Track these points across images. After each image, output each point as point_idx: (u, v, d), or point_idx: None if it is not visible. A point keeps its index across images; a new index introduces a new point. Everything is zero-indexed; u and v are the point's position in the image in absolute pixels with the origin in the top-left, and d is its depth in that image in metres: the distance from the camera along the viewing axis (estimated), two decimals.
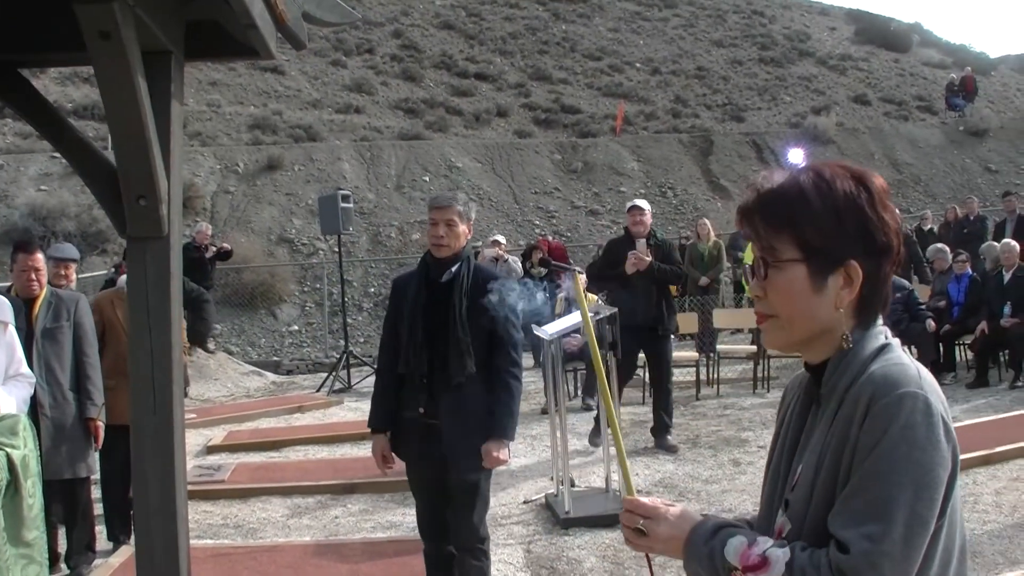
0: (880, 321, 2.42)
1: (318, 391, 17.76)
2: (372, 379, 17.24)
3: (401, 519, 9.28)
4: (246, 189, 31.00)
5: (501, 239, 20.43)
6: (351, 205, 19.07)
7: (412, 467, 6.24)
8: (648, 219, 11.54)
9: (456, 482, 6.01)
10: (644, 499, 2.51)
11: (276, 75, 46.18)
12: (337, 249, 20.28)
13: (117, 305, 8.62)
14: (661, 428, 11.56)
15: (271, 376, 20.55)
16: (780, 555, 2.20)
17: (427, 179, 32.50)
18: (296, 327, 25.44)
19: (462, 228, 6.08)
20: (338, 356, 19.49)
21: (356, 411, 15.49)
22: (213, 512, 9.77)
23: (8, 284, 8.49)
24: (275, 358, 23.40)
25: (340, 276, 20.25)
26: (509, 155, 35.61)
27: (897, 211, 2.45)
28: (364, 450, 12.27)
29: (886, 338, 2.38)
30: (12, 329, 5.36)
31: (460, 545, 6.11)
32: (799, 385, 2.58)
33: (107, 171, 4.76)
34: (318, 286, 26.36)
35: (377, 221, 29.99)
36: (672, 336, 11.86)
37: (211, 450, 12.78)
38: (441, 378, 5.97)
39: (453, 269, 6.05)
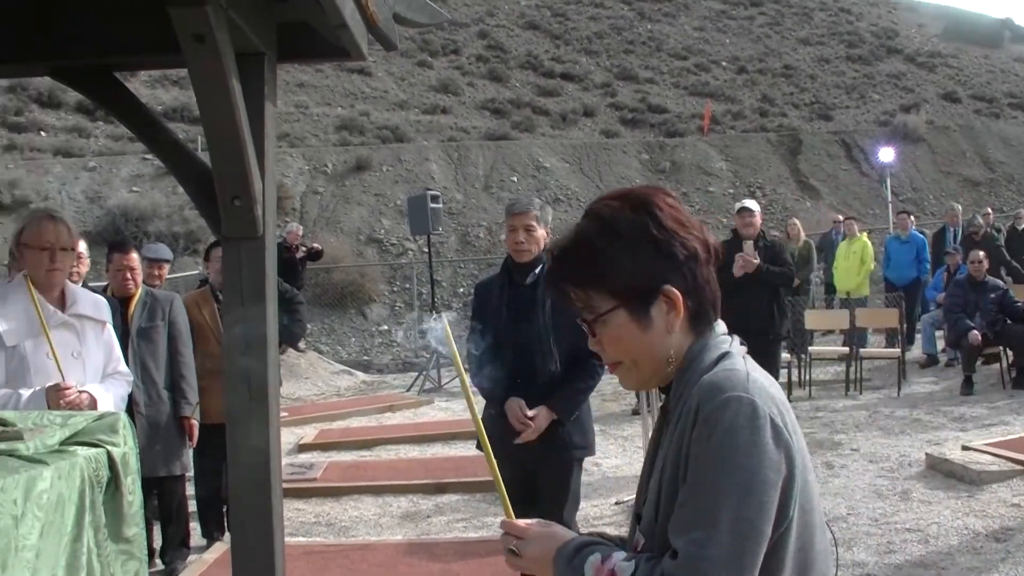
0: (722, 329, 2.44)
1: (408, 391, 17.84)
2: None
3: (492, 519, 9.27)
4: (335, 190, 31.20)
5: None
6: (440, 205, 19.09)
7: (502, 466, 6.21)
8: (758, 220, 11.22)
9: (546, 480, 5.99)
10: (518, 520, 2.50)
11: (363, 76, 46.44)
12: (426, 249, 20.31)
13: (203, 306, 8.69)
14: None
15: (361, 375, 20.62)
16: (626, 567, 2.22)
17: (515, 179, 32.53)
18: (386, 327, 25.54)
19: (540, 232, 6.10)
20: (428, 356, 19.52)
21: (446, 411, 15.54)
22: (305, 510, 9.83)
23: (104, 284, 8.59)
24: (365, 358, 23.50)
25: (430, 276, 20.29)
26: (596, 155, 35.55)
27: (689, 214, 2.44)
28: (455, 449, 12.33)
29: (729, 347, 2.39)
30: (110, 328, 5.43)
31: None
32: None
33: (202, 172, 4.80)
34: (407, 286, 26.46)
35: (465, 221, 30.08)
36: (783, 340, 11.55)
37: (303, 448, 12.86)
38: (528, 379, 5.97)
39: (536, 271, 6.06)
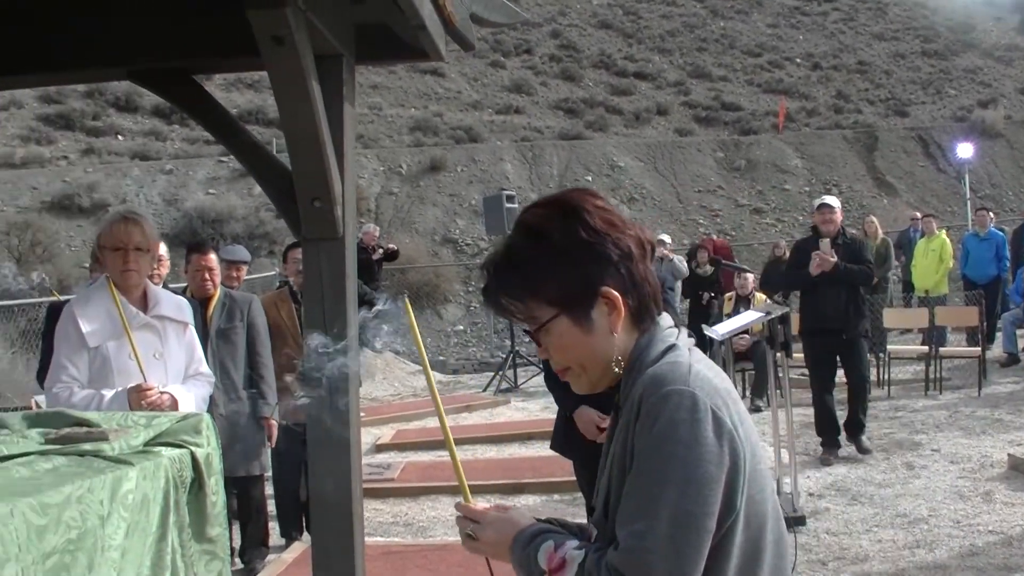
0: (668, 323, 2.42)
1: (484, 390, 17.83)
2: (538, 379, 17.34)
3: (570, 519, 9.24)
4: (409, 190, 31.32)
5: (666, 238, 20.28)
6: (515, 205, 19.02)
7: (583, 466, 6.19)
8: (838, 217, 10.93)
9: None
10: (475, 505, 2.50)
11: (436, 77, 46.60)
12: None
13: (281, 306, 8.71)
14: (856, 426, 11.15)
15: (437, 375, 20.61)
16: (576, 556, 2.22)
17: (589, 178, 32.49)
18: (461, 327, 25.61)
19: None
20: (504, 356, 19.51)
21: (523, 411, 15.51)
22: (383, 510, 9.85)
23: (183, 285, 8.66)
24: (441, 357, 23.56)
25: None
26: (671, 153, 35.42)
27: (619, 213, 2.41)
28: (532, 450, 12.29)
29: (675, 339, 2.37)
30: (192, 329, 5.46)
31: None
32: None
33: (282, 174, 4.83)
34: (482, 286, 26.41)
35: None
36: (864, 340, 11.28)
37: (380, 449, 12.89)
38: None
39: None
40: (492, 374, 18.46)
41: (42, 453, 3.38)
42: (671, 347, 2.34)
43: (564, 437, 6.18)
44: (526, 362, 18.70)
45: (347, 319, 4.65)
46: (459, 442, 12.91)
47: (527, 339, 15.25)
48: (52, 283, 25.25)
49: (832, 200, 11.19)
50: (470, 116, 42.98)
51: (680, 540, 2.10)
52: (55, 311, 6.38)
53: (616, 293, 2.32)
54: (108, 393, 4.91)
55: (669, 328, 2.40)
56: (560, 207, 2.37)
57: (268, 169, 4.96)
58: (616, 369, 2.38)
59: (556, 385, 6.19)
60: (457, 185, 31.72)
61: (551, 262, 2.31)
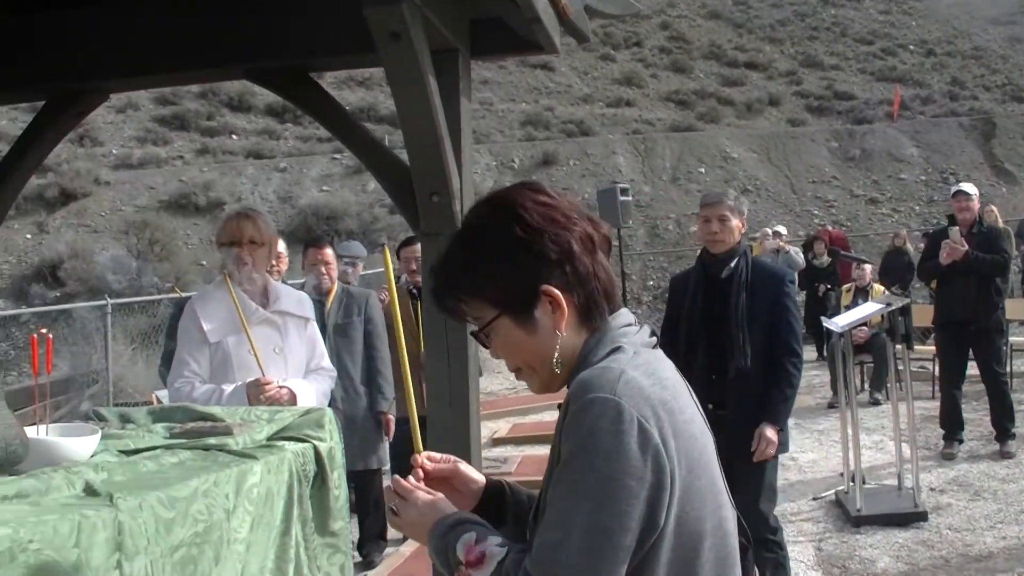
0: (624, 320, 2.34)
1: None
2: None
3: None
4: None
5: (782, 230, 20.07)
6: (629, 198, 18.95)
7: None
8: (975, 205, 10.64)
9: (742, 473, 5.92)
10: (409, 482, 2.45)
11: (546, 71, 46.61)
12: (614, 243, 20.22)
13: (398, 301, 8.73)
14: (1001, 432, 10.87)
15: None
16: (496, 552, 2.16)
17: (702, 171, 32.28)
18: None
19: (735, 223, 6.04)
20: None
21: None
22: None
23: (300, 281, 8.73)
24: None
25: (621, 270, 20.19)
26: (784, 144, 35.03)
27: (567, 206, 2.35)
28: None
29: (627, 339, 2.29)
30: (314, 324, 5.51)
31: (752, 537, 6.01)
32: None
33: (400, 169, 4.86)
34: None
35: (654, 214, 29.95)
36: (997, 333, 10.95)
37: (496, 443, 12.91)
38: (729, 373, 5.92)
39: (732, 264, 6.00)
40: None
41: (168, 447, 3.42)
42: (616, 349, 2.26)
43: None
44: None
45: None
46: (546, 440, 12.89)
47: None
48: (170, 281, 25.68)
49: (969, 187, 10.89)
50: (581, 110, 42.92)
51: (594, 556, 2.03)
52: (182, 307, 6.48)
53: (557, 292, 2.26)
54: (228, 388, 4.97)
55: (623, 327, 2.33)
56: (496, 205, 2.34)
57: (386, 165, 4.99)
58: (571, 368, 2.30)
59: None
60: (569, 179, 31.69)
61: (488, 263, 2.28)
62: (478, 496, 2.58)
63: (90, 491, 2.76)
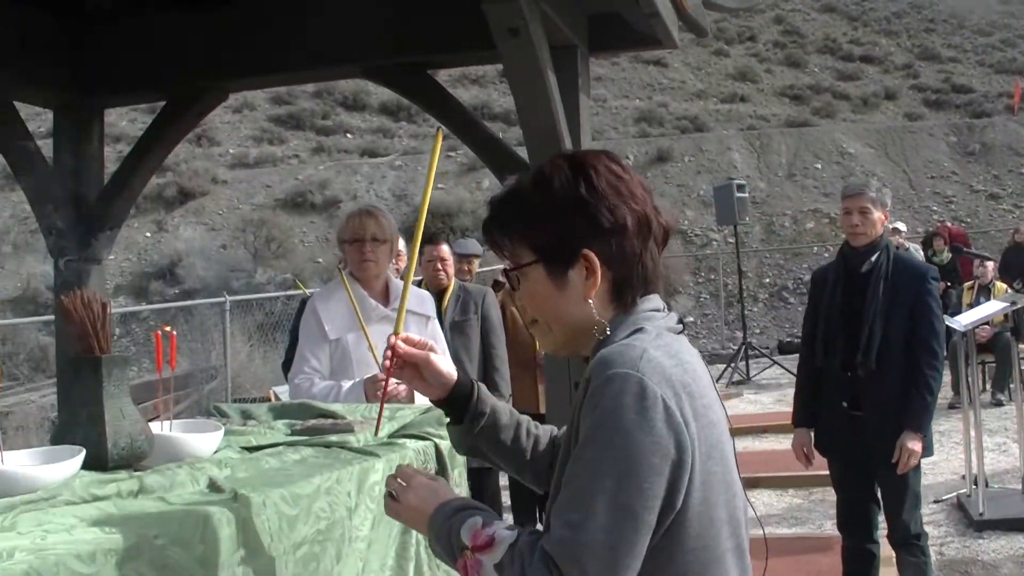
0: (653, 305, 2.33)
1: (716, 382, 17.54)
2: (770, 371, 17.11)
3: (806, 515, 9.09)
4: None
5: (901, 226, 19.76)
6: (746, 195, 18.80)
7: (835, 461, 6.07)
8: None
9: (883, 477, 5.81)
10: (410, 469, 2.47)
11: (660, 67, 46.44)
12: (730, 239, 20.13)
13: (507, 299, 8.71)
14: None
15: None
16: (506, 536, 2.13)
17: (819, 166, 31.90)
18: (691, 318, 25.40)
19: (877, 215, 5.89)
20: (735, 348, 19.30)
21: (755, 403, 15.30)
22: None
23: (417, 279, 8.75)
24: None
25: (737, 267, 19.99)
26: (901, 139, 34.49)
27: (637, 184, 2.35)
28: (766, 443, 12.13)
29: (650, 323, 2.27)
30: (435, 323, 5.51)
31: (895, 541, 5.92)
32: None
33: (519, 167, 4.84)
34: (712, 277, 26.24)
35: (770, 211, 29.65)
36: None
37: None
38: (862, 370, 5.79)
39: (872, 259, 5.86)
40: (724, 366, 18.23)
41: (290, 444, 3.44)
42: (638, 329, 2.25)
43: (816, 432, 6.10)
44: (758, 354, 18.43)
45: None
46: None
47: (759, 330, 15.07)
48: (287, 279, 25.95)
49: None
50: (695, 105, 42.69)
51: (616, 534, 2.00)
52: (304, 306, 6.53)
53: (596, 260, 2.26)
54: (347, 384, 4.99)
55: (650, 311, 2.32)
56: (573, 161, 2.34)
57: (505, 162, 4.99)
58: (592, 339, 2.30)
59: (802, 390, 6.12)
60: (684, 175, 31.53)
61: (544, 209, 2.29)
62: (447, 390, 2.59)
63: (214, 487, 2.78)
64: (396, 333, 2.61)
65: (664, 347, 2.19)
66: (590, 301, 2.28)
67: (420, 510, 2.35)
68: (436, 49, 5.14)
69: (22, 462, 2.72)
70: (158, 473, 2.79)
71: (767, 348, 19.89)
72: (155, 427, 3.07)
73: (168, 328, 3.01)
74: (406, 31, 5.08)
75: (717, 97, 44.39)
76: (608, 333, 2.27)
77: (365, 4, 5.18)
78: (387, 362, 2.58)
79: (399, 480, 2.45)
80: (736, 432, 11.94)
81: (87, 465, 2.71)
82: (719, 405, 2.29)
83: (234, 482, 2.83)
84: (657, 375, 2.08)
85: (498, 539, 2.13)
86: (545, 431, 2.69)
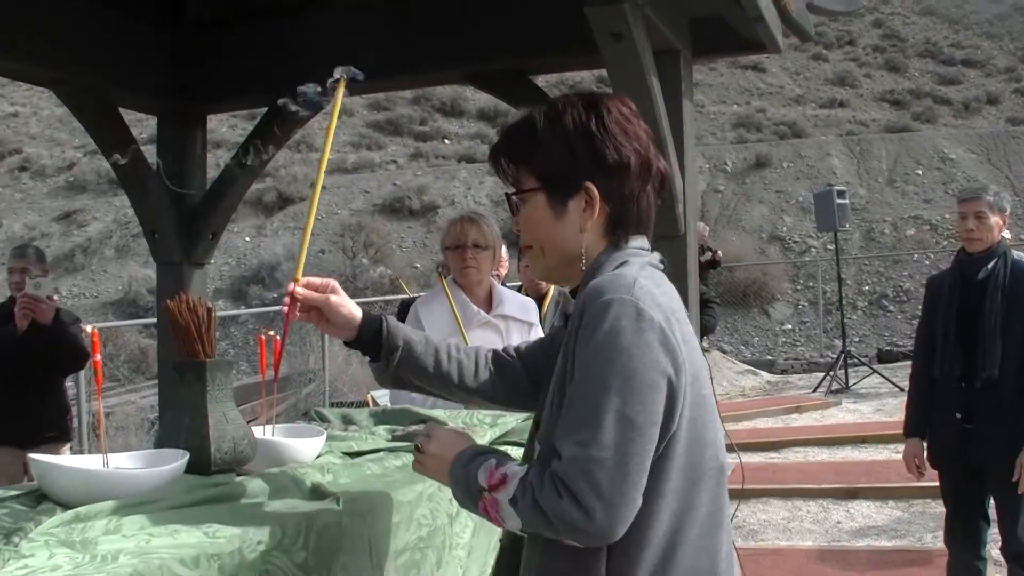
0: (640, 244, 2.43)
1: (814, 391, 17.36)
2: (869, 380, 16.88)
3: (907, 528, 8.94)
4: (735, 188, 31.08)
5: (1006, 234, 19.44)
6: (846, 201, 18.55)
7: (947, 473, 5.94)
8: None
9: (998, 491, 5.68)
10: (435, 423, 2.58)
11: (757, 72, 46.18)
12: (829, 246, 19.91)
13: None
14: None
15: (765, 375, 20.30)
16: (517, 471, 2.20)
17: (919, 172, 31.47)
18: (789, 326, 25.19)
19: (994, 220, 5.75)
20: (834, 356, 19.08)
21: (855, 412, 15.08)
22: None
23: (517, 284, 8.74)
24: (768, 357, 23.21)
25: (837, 274, 19.72)
26: (1005, 144, 33.89)
27: (643, 129, 2.44)
28: (866, 454, 11.95)
29: (635, 258, 2.37)
30: (538, 329, 5.49)
31: (1009, 555, 5.79)
32: None
33: None
34: (811, 284, 25.96)
35: (869, 217, 29.28)
36: None
37: None
38: (976, 382, 5.65)
39: (989, 266, 5.72)
40: (822, 375, 18.02)
41: (391, 450, 3.44)
42: (623, 263, 2.34)
43: (928, 443, 5.98)
44: (857, 362, 18.17)
45: (689, 317, 4.58)
46: (789, 444, 12.70)
47: (858, 338, 14.88)
48: (385, 283, 26.11)
49: None
50: (793, 111, 42.37)
51: (625, 448, 2.08)
52: (405, 308, 6.55)
53: (597, 193, 2.36)
54: None
55: (637, 248, 2.42)
56: (587, 98, 2.43)
57: None
58: (578, 270, 2.41)
59: (915, 399, 5.99)
60: (783, 181, 31.27)
61: (552, 139, 2.38)
62: (355, 329, 2.68)
63: (317, 493, 2.78)
64: (296, 280, 2.64)
65: (651, 277, 2.31)
66: (584, 232, 2.38)
67: (442, 458, 2.39)
68: (538, 54, 5.14)
69: (126, 464, 2.73)
70: (261, 478, 2.79)
71: (866, 357, 19.60)
72: (257, 431, 3.08)
73: (272, 333, 3.02)
74: (508, 36, 5.09)
75: (816, 102, 44.02)
76: (598, 266, 2.36)
77: (468, 10, 5.19)
78: (285, 308, 2.64)
79: (424, 433, 2.50)
80: (835, 442, 11.82)
81: (190, 468, 2.72)
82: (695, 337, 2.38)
83: (336, 488, 2.83)
84: (649, 299, 2.18)
85: (510, 475, 2.19)
86: (470, 353, 2.79)
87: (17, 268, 7.14)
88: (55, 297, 7.52)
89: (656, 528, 2.19)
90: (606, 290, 2.18)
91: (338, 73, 2.86)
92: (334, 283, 2.70)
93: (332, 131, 2.83)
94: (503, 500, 2.18)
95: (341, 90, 2.84)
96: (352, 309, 2.67)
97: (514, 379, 2.79)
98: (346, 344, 2.74)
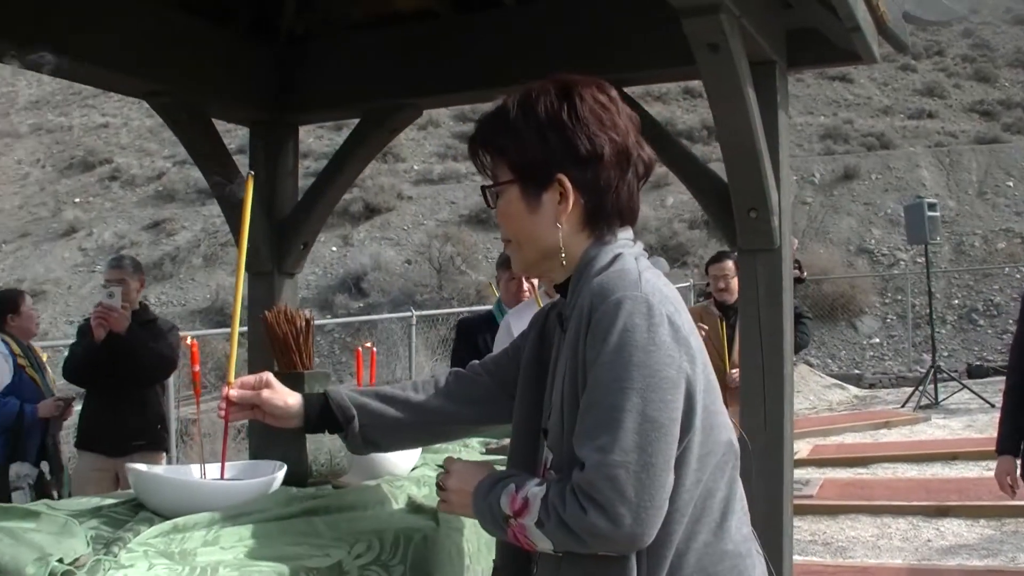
0: (627, 235, 2.38)
1: (903, 406, 17.19)
2: (959, 396, 16.69)
3: (999, 547, 8.80)
4: (823, 200, 30.83)
5: None
6: (937, 214, 18.35)
7: None
8: None
9: None
10: (452, 457, 2.49)
11: (844, 83, 45.77)
12: (918, 259, 19.69)
13: (705, 319, 8.59)
14: None
15: (853, 389, 20.15)
16: (537, 491, 2.14)
17: (1010, 184, 31.00)
18: (877, 339, 24.91)
19: None
20: (922, 370, 18.85)
21: (944, 429, 14.91)
22: (801, 527, 9.62)
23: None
24: (856, 371, 23.01)
25: (927, 288, 19.49)
26: None
27: (624, 116, 2.37)
28: (956, 471, 11.80)
29: (625, 249, 2.32)
30: None
31: None
32: (549, 310, 2.55)
33: (716, 185, 4.80)
34: (899, 297, 25.66)
35: (959, 230, 28.90)
36: None
37: (797, 464, 12.59)
38: None
39: None
40: (910, 389, 17.81)
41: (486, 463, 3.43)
42: (617, 256, 2.29)
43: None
44: (947, 377, 17.93)
45: (783, 332, 4.55)
46: (878, 460, 12.57)
47: (947, 353, 14.64)
48: (472, 293, 26.19)
49: None
50: (881, 122, 41.92)
51: (648, 450, 2.03)
52: (462, 328, 6.59)
53: (570, 185, 2.30)
54: None
55: (625, 239, 2.37)
56: (560, 84, 2.36)
57: (702, 180, 4.94)
58: (558, 264, 2.36)
59: (1009, 416, 5.85)
60: (872, 193, 30.95)
61: (524, 130, 2.32)
62: (299, 417, 2.63)
63: (413, 507, 2.77)
64: (228, 383, 2.63)
65: (648, 268, 2.27)
66: (559, 225, 2.32)
67: (463, 491, 2.34)
68: (630, 65, 5.10)
69: (224, 476, 2.74)
70: (358, 490, 2.80)
71: (956, 372, 19.34)
72: None
73: (369, 344, 3.03)
74: (600, 47, 5.06)
75: (904, 113, 43.53)
76: (588, 261, 2.31)
77: (560, 21, 5.18)
78: (221, 412, 2.62)
79: (443, 468, 2.48)
80: (925, 458, 11.69)
81: (286, 480, 2.73)
82: None
83: (433, 501, 2.82)
84: (657, 294, 2.15)
85: (531, 497, 2.14)
86: (426, 385, 2.74)
87: (115, 279, 7.24)
88: (149, 306, 7.63)
89: (680, 522, 2.15)
90: (614, 288, 2.15)
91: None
92: (268, 376, 2.68)
93: (246, 225, 2.78)
94: (530, 524, 2.14)
95: (250, 185, 2.81)
96: (287, 399, 2.64)
97: (488, 395, 2.72)
98: (303, 431, 2.71)
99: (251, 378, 2.65)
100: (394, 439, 2.69)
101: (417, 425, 2.67)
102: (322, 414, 2.63)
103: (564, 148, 2.30)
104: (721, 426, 2.25)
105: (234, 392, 2.61)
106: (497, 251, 30.84)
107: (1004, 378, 5.98)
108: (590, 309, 2.16)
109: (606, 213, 2.35)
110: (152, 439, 7.46)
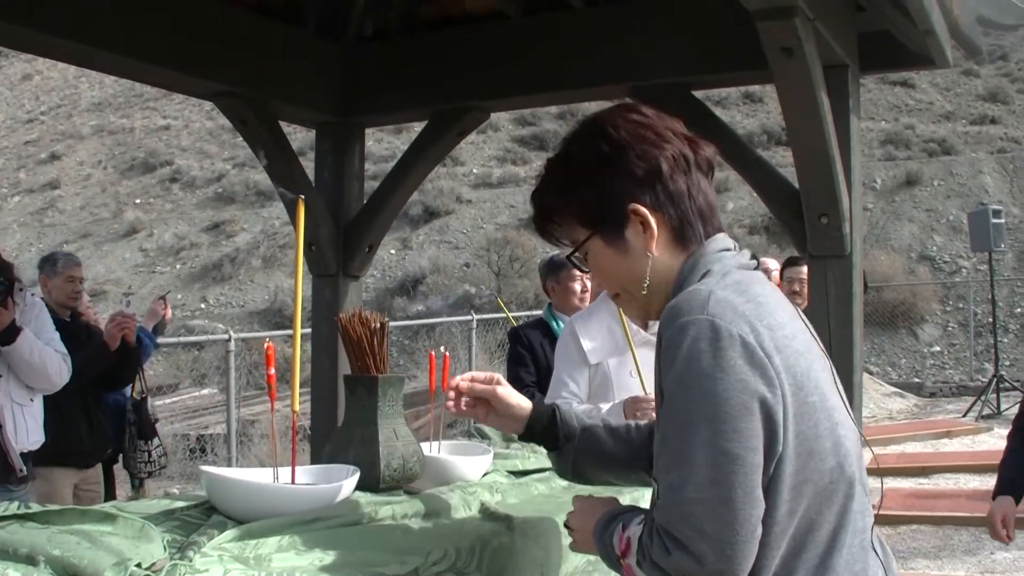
0: (720, 245, 2.23)
1: (964, 416, 17.02)
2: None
3: None
4: (884, 206, 30.63)
5: None
6: (1002, 221, 18.19)
7: None
8: None
9: None
10: (579, 496, 2.40)
11: (906, 88, 45.38)
12: (980, 267, 19.50)
13: None
14: None
15: (913, 398, 19.97)
16: (636, 531, 2.08)
17: None
18: (938, 348, 24.69)
19: None
20: (984, 380, 18.65)
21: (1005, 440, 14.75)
22: None
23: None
24: (916, 379, 22.82)
25: (991, 296, 19.31)
26: None
27: (663, 125, 2.25)
28: None
29: (719, 263, 2.18)
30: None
31: None
32: None
33: (787, 190, 4.77)
34: (961, 305, 25.40)
35: (1023, 237, 28.64)
36: None
37: None
38: None
39: None
40: (972, 398, 17.63)
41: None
42: (706, 272, 2.16)
43: None
44: (1010, 387, 17.72)
45: (853, 339, 4.51)
46: (939, 470, 12.43)
47: (1009, 362, 14.52)
48: (530, 297, 26.18)
49: None
50: (943, 128, 41.54)
51: (724, 483, 1.92)
52: (515, 337, 6.55)
53: (646, 211, 2.20)
54: (604, 406, 4.93)
55: (719, 251, 2.23)
56: (589, 124, 2.31)
57: (773, 185, 4.91)
58: (667, 293, 2.21)
59: (1010, 460, 5.61)
60: (934, 200, 30.71)
61: (577, 181, 2.27)
62: (523, 422, 2.56)
63: (487, 513, 2.76)
64: (292, 387, 2.64)
65: (732, 285, 2.11)
66: (652, 254, 2.22)
67: (584, 530, 2.30)
68: (702, 69, 5.10)
69: (297, 480, 2.73)
70: (431, 496, 2.78)
71: (1018, 381, 19.13)
72: (425, 448, 3.07)
73: (443, 349, 3.00)
74: (672, 50, 5.05)
75: (966, 119, 43.12)
76: (679, 282, 2.20)
77: (632, 24, 5.17)
78: (450, 402, 2.55)
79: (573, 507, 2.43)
80: (988, 469, 11.61)
81: (359, 485, 2.71)
82: (806, 334, 2.21)
83: (506, 508, 2.81)
84: (729, 313, 2.01)
85: (631, 538, 2.10)
86: (624, 425, 2.66)
87: (77, 276, 7.26)
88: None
89: (772, 557, 2.03)
90: (680, 312, 2.04)
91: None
92: (499, 376, 2.62)
93: (300, 248, 2.75)
94: (633, 565, 2.08)
95: (301, 208, 2.78)
96: (520, 400, 2.57)
97: None
98: (519, 438, 2.64)
99: (481, 374, 2.59)
100: (600, 469, 2.61)
101: (627, 461, 2.58)
102: (546, 426, 2.57)
103: (622, 178, 2.22)
104: (826, 452, 2.09)
105: (464, 383, 2.55)
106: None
107: None
108: (660, 334, 2.09)
109: (690, 221, 2.24)
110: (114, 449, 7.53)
